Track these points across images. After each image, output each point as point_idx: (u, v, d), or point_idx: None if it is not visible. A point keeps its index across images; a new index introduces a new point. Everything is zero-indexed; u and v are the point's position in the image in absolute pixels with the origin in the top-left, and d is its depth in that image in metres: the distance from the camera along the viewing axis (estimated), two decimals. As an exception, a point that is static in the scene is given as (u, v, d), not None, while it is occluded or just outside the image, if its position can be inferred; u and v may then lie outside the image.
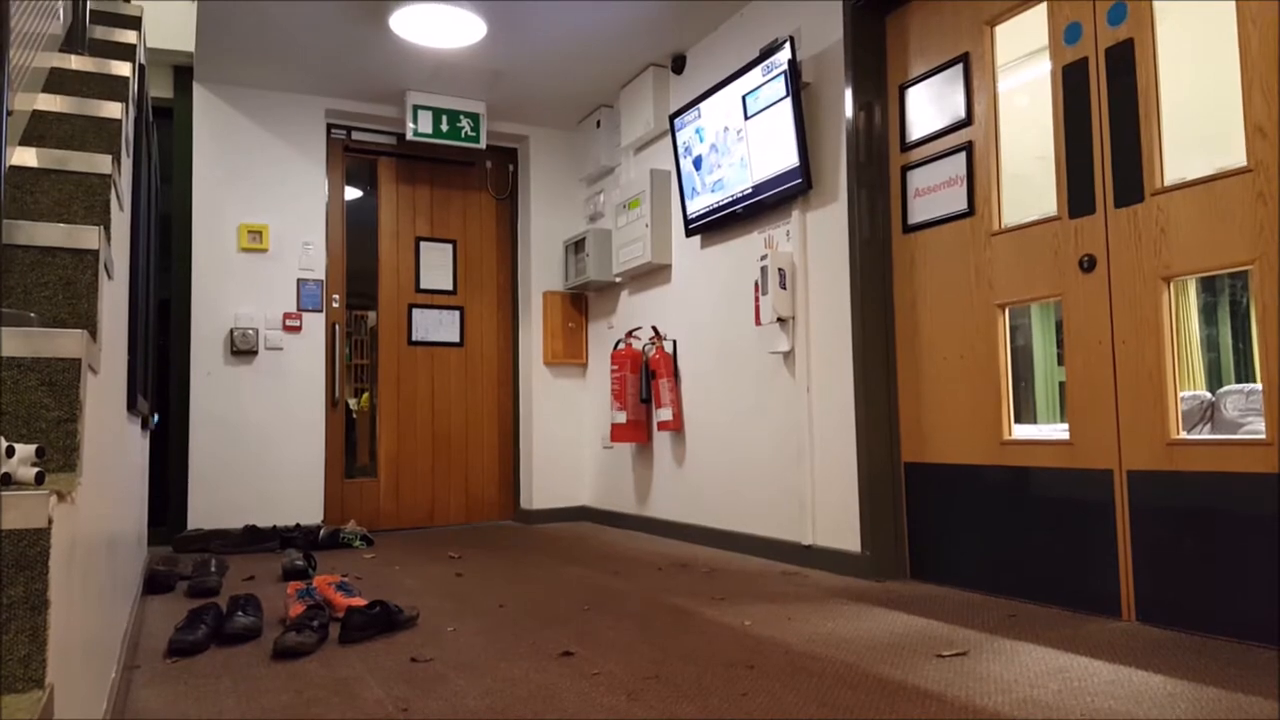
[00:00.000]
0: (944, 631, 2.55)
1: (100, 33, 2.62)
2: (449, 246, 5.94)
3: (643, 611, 2.89)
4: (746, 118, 3.93)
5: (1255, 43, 2.33)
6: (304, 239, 5.06)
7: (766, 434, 3.97)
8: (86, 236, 1.43)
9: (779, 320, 3.80)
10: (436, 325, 5.94)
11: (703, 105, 4.22)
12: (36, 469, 1.03)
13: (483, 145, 5.33)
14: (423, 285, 5.88)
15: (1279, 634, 2.23)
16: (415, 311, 5.87)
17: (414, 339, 5.88)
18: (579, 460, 5.72)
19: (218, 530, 4.55)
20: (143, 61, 2.97)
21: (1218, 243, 2.42)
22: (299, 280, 5.00)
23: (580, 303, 5.73)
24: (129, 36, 2.70)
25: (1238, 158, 2.37)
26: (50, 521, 1.00)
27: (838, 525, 3.53)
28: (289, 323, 4.98)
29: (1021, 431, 3.10)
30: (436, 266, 5.89)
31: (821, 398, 3.64)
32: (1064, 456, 2.81)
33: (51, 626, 0.99)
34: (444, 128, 5.18)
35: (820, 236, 3.67)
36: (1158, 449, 2.53)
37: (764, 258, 3.79)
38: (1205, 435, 3.81)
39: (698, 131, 4.28)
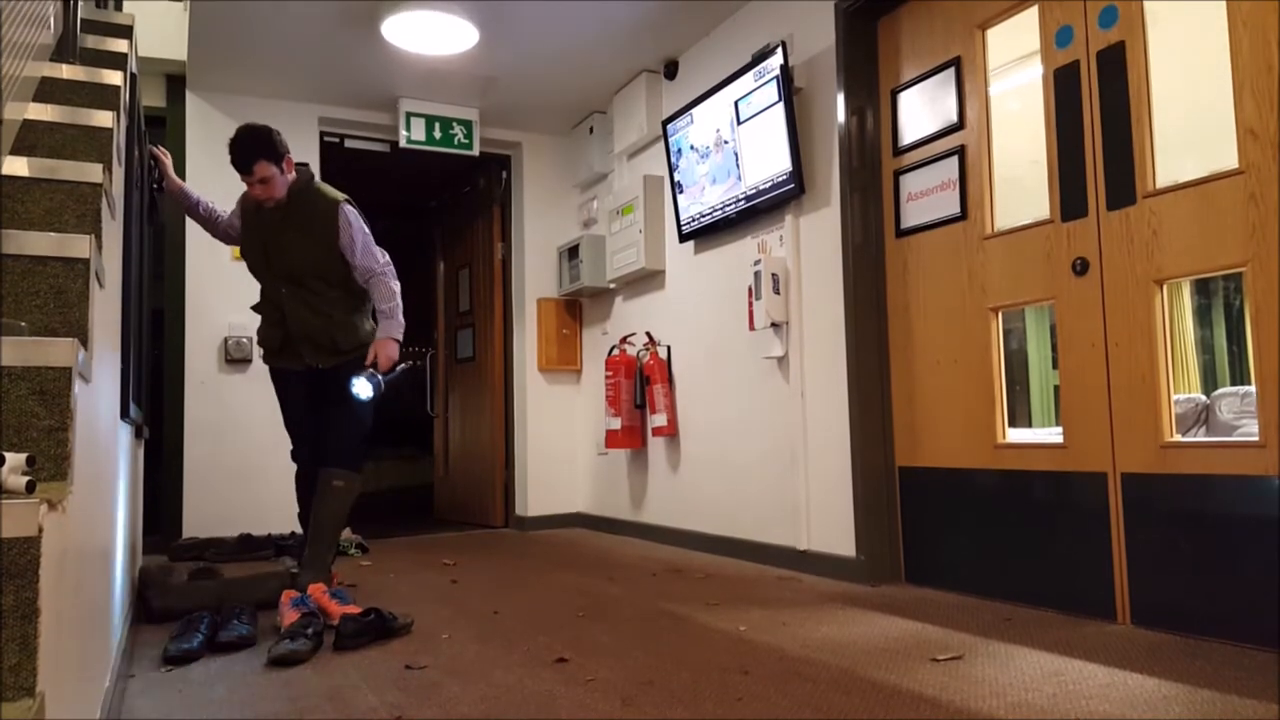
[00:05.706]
0: (939, 635, 2.55)
1: (91, 42, 2.62)
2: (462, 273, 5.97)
3: (637, 617, 2.89)
4: (739, 123, 3.93)
5: (1246, 45, 2.34)
6: (298, 246, 5.04)
7: (761, 439, 3.97)
8: (77, 245, 1.43)
9: (773, 325, 3.80)
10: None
11: (695, 111, 4.23)
12: (27, 477, 1.03)
13: (476, 152, 5.32)
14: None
15: (1276, 636, 2.23)
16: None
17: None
18: (574, 466, 5.71)
19: (213, 538, 4.53)
20: (134, 70, 2.97)
21: (1210, 245, 2.42)
22: (293, 288, 4.99)
23: (574, 309, 5.72)
24: (120, 45, 2.70)
25: (1229, 160, 2.38)
26: (40, 530, 1.00)
27: (832, 530, 3.52)
28: (283, 330, 4.96)
29: (1016, 435, 3.10)
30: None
31: (815, 402, 3.64)
32: (1058, 460, 2.81)
33: (42, 635, 0.99)
34: (437, 135, 5.18)
35: (813, 241, 3.68)
36: (1152, 452, 2.54)
37: (757, 263, 3.79)
38: (1199, 438, 3.81)
39: (690, 137, 4.29)
